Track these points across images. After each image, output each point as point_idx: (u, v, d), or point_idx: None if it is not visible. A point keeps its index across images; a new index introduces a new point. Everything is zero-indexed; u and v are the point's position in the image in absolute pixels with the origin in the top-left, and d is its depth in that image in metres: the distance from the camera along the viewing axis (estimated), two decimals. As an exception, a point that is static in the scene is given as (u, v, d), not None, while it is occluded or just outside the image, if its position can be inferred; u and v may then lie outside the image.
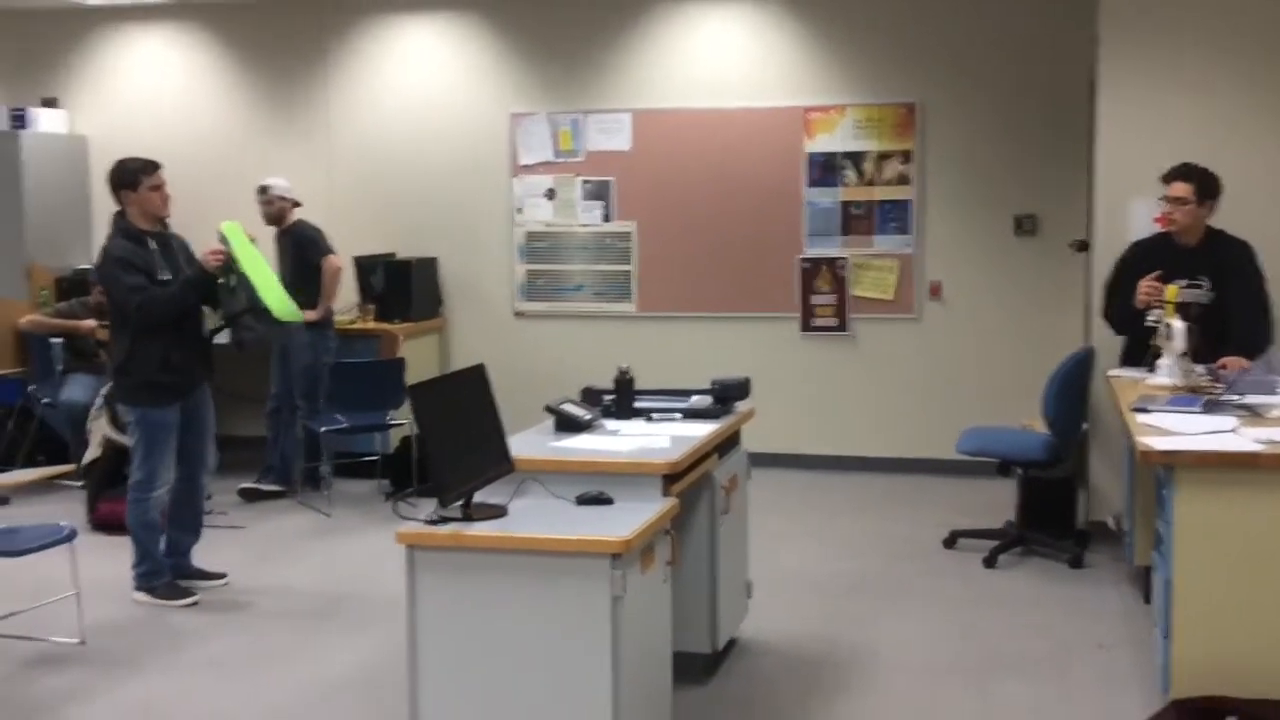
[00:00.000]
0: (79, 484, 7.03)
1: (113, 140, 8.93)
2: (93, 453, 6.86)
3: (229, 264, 5.47)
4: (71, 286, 8.33)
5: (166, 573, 5.64)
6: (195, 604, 5.55)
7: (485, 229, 8.47)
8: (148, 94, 8.98)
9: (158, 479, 5.51)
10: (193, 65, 8.92)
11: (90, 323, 7.70)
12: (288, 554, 6.39)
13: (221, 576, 5.83)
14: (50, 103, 9.01)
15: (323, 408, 7.26)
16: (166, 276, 5.44)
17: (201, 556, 5.88)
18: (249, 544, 6.53)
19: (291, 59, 8.72)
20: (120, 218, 5.51)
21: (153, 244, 5.48)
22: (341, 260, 7.61)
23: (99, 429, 6.85)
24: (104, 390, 6.97)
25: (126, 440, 6.72)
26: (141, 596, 5.58)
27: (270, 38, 8.75)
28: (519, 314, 8.49)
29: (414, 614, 3.54)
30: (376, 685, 4.61)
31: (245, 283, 5.49)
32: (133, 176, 5.46)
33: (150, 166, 5.51)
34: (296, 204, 7.57)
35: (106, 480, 6.81)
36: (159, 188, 5.50)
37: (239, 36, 8.81)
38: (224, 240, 5.53)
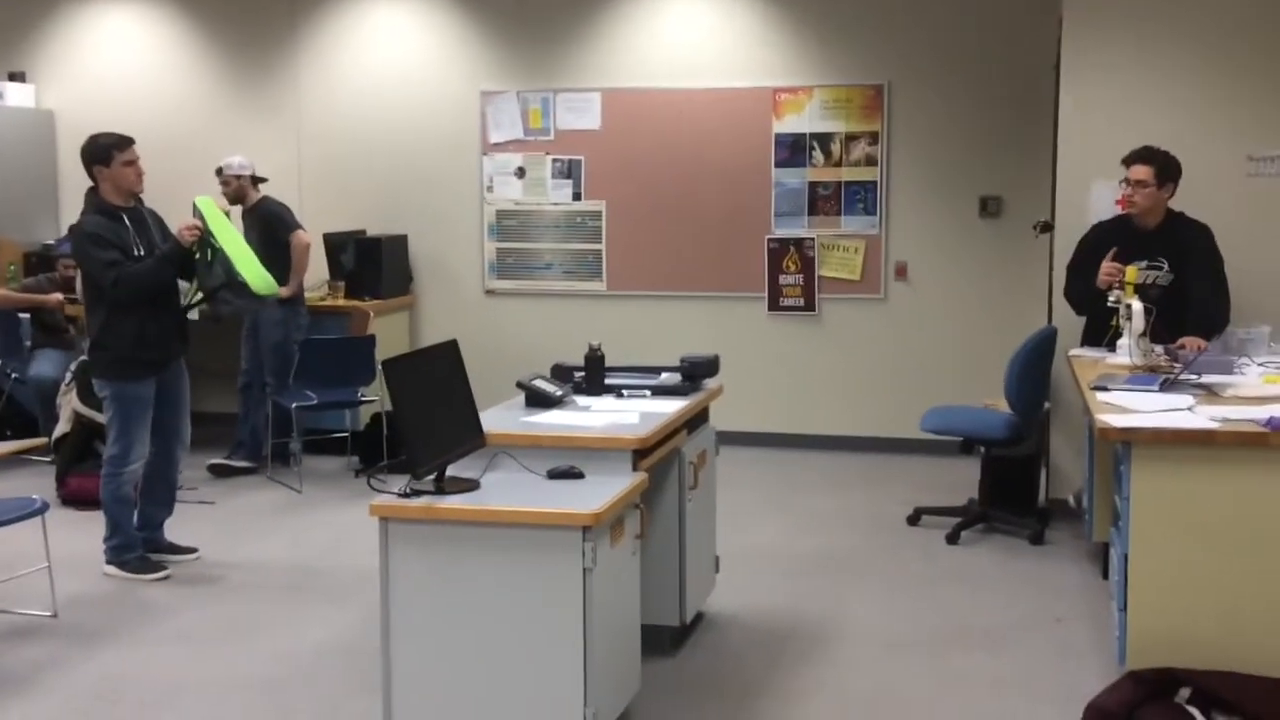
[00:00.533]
0: (48, 459, 7.03)
1: (80, 115, 8.89)
2: (62, 428, 6.86)
3: (205, 238, 5.47)
4: (39, 261, 8.31)
5: (138, 547, 5.67)
6: (166, 578, 5.58)
7: (455, 207, 8.49)
8: (116, 68, 8.93)
9: (132, 454, 5.52)
10: (161, 40, 8.88)
11: (57, 297, 7.68)
12: (258, 529, 6.41)
13: (193, 551, 5.87)
14: (17, 76, 8.94)
15: (293, 384, 7.27)
16: (141, 252, 5.45)
17: (172, 531, 5.91)
18: (220, 519, 6.55)
19: (261, 34, 8.69)
20: (93, 193, 5.50)
21: (126, 219, 5.48)
22: (310, 236, 7.61)
23: (68, 404, 6.85)
24: (73, 365, 6.97)
25: (96, 415, 6.73)
26: (112, 570, 5.60)
27: (239, 13, 8.71)
28: (489, 292, 8.52)
29: (387, 586, 3.59)
30: (349, 657, 4.66)
31: (221, 257, 5.48)
32: (105, 152, 5.44)
33: (124, 142, 5.50)
34: (259, 180, 7.53)
35: (76, 455, 6.82)
36: (132, 163, 5.49)
37: (208, 11, 8.77)
38: (198, 214, 5.52)
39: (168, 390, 5.63)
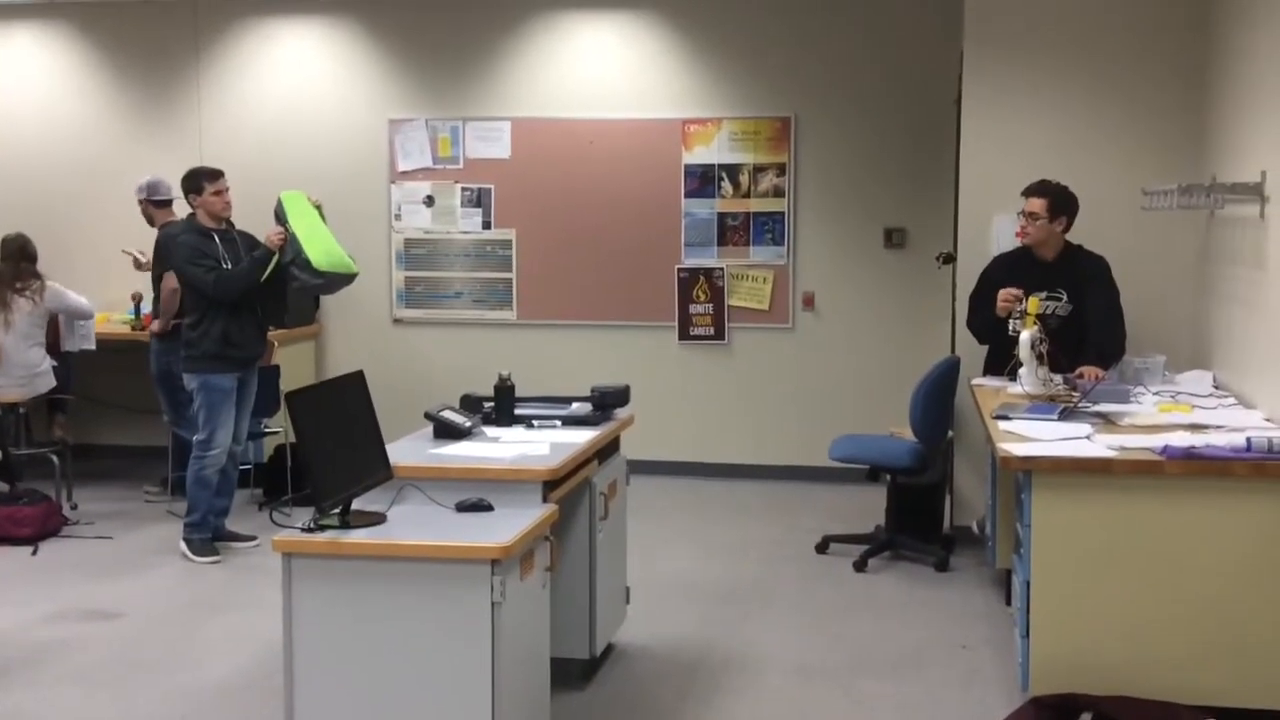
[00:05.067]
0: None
1: (-26, 139, 8.70)
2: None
3: (287, 235, 6.12)
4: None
5: (209, 530, 6.30)
6: (217, 563, 6.19)
7: (363, 235, 8.37)
8: (13, 93, 8.74)
9: (215, 439, 6.23)
10: (61, 64, 8.70)
11: None
12: (158, 563, 6.25)
13: (253, 539, 6.44)
14: (-92, 100, 8.71)
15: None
16: (228, 265, 6.19)
17: (69, 569, 5.75)
18: (118, 554, 6.39)
19: (162, 61, 8.56)
20: (191, 217, 6.35)
21: (216, 239, 6.24)
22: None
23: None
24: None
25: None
26: (182, 547, 6.27)
27: (141, 39, 8.57)
28: (397, 321, 8.45)
29: (290, 622, 3.52)
30: (251, 694, 4.56)
31: (292, 237, 6.11)
32: (198, 182, 6.30)
33: (214, 174, 6.35)
34: (161, 201, 7.29)
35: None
36: (220, 193, 6.30)
37: (108, 37, 8.62)
38: (280, 206, 6.19)
39: (240, 390, 6.34)
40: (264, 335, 6.50)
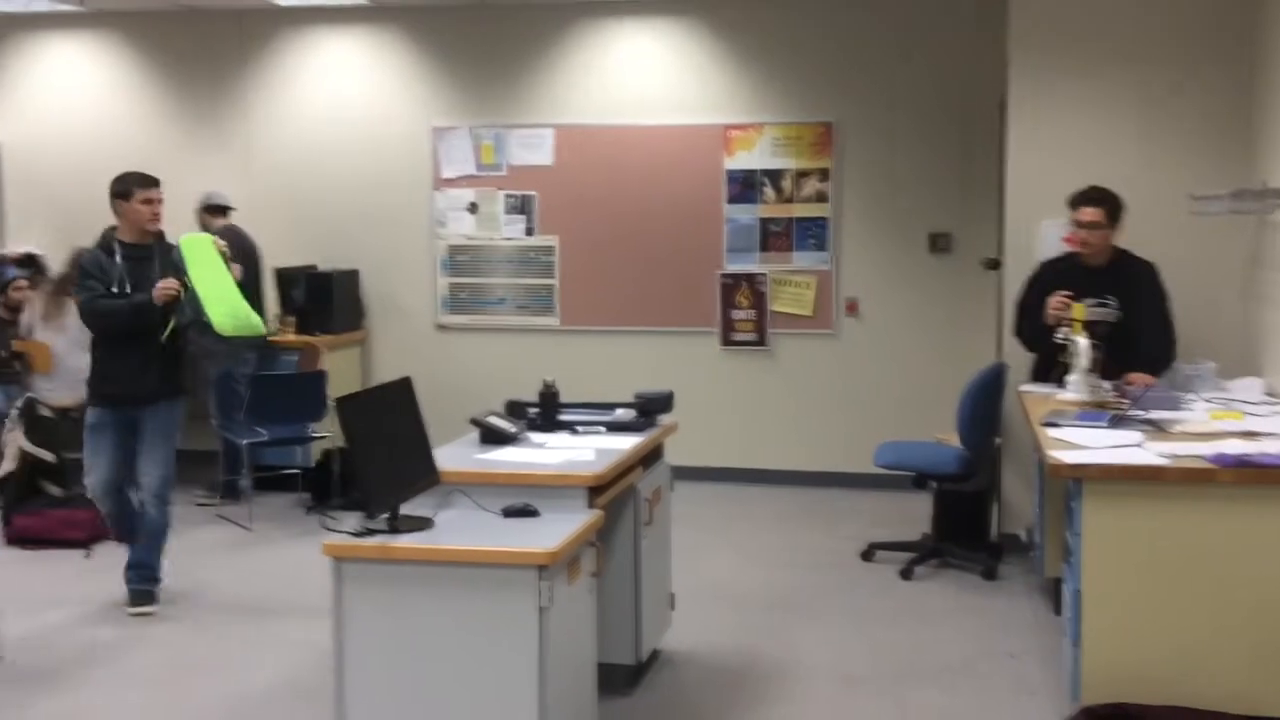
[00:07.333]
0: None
1: (28, 147, 8.83)
2: (7, 466, 6.75)
3: (183, 287, 5.43)
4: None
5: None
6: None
7: (407, 242, 8.46)
8: (64, 100, 8.86)
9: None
10: (110, 73, 8.81)
11: None
12: (208, 567, 6.31)
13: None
14: (-39, 109, 8.84)
15: (242, 419, 7.19)
16: (129, 289, 5.45)
17: (122, 571, 5.80)
18: (169, 556, 6.43)
19: (210, 69, 8.65)
20: (111, 228, 5.60)
21: (121, 256, 5.50)
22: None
23: (13, 441, 6.73)
24: (19, 402, 6.87)
25: (41, 453, 6.66)
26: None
27: (188, 44, 8.66)
28: (441, 327, 8.50)
29: (340, 626, 3.55)
30: (300, 698, 4.60)
31: (192, 295, 5.46)
32: (127, 187, 5.54)
33: (148, 181, 5.58)
34: (213, 208, 7.47)
35: (22, 494, 6.70)
36: (150, 202, 5.54)
37: (157, 45, 8.71)
38: (178, 254, 5.53)
39: (138, 429, 5.59)
40: (157, 376, 5.54)
